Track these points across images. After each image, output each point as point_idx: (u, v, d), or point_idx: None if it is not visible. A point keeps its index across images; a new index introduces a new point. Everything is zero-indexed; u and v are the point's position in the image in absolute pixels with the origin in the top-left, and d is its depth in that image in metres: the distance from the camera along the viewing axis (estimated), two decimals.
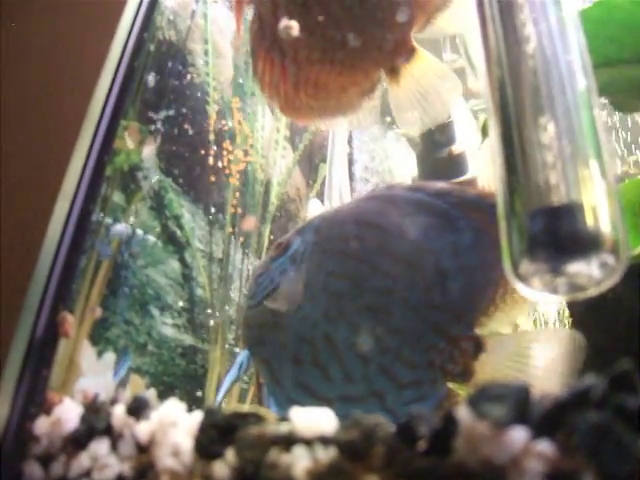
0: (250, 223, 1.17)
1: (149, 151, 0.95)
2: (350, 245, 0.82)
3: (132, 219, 0.96)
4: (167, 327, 1.00)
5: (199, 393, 1.03)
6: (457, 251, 0.80)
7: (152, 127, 1.00)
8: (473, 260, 0.80)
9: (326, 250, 0.82)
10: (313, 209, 1.31)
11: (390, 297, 0.78)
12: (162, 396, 0.58)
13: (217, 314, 1.09)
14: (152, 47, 1.00)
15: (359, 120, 0.88)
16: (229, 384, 0.87)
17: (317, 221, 0.87)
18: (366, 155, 1.66)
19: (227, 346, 1.08)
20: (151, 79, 1.00)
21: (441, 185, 0.85)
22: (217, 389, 1.04)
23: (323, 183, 1.36)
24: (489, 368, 0.78)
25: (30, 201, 0.68)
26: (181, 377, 1.02)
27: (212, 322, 1.08)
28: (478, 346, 0.78)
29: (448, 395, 0.78)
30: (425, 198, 0.83)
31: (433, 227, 0.81)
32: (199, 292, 1.09)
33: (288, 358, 0.79)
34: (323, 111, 0.86)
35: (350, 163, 1.48)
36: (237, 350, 1.09)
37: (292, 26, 0.78)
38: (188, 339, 1.04)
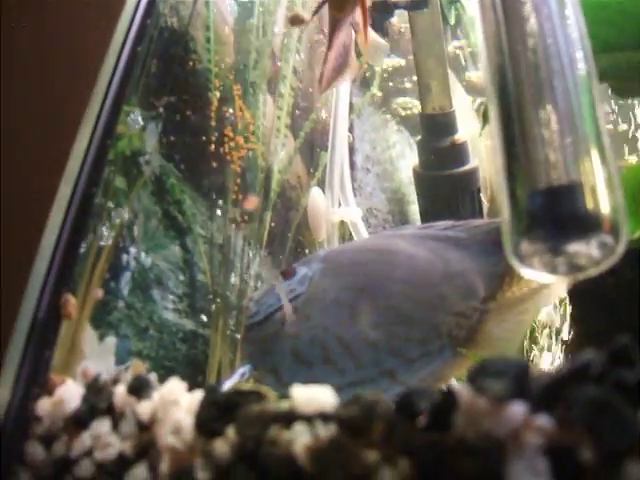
0: (252, 203, 1.17)
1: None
2: (361, 267, 0.87)
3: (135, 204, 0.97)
4: (168, 312, 1.01)
5: (200, 378, 1.04)
6: (464, 259, 0.85)
7: (154, 113, 1.01)
8: (480, 261, 0.85)
9: (337, 273, 0.86)
10: (314, 197, 1.31)
11: (401, 298, 0.82)
12: (163, 380, 0.58)
13: (218, 299, 1.09)
14: (155, 33, 1.00)
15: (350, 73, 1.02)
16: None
17: (323, 252, 0.94)
18: (367, 144, 1.66)
19: (228, 332, 1.08)
20: (154, 65, 1.00)
21: (449, 222, 0.92)
22: (218, 374, 1.05)
23: (324, 171, 1.36)
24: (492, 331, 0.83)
25: (33, 185, 0.69)
26: (182, 362, 1.02)
27: (213, 307, 1.08)
28: (483, 313, 0.82)
29: (455, 356, 0.82)
30: (432, 232, 0.90)
31: (440, 248, 0.87)
32: (200, 277, 1.09)
33: (297, 362, 0.81)
34: (342, 71, 0.98)
35: (351, 152, 1.49)
36: (237, 336, 1.09)
37: (302, 15, 0.87)
38: (189, 324, 1.05)
